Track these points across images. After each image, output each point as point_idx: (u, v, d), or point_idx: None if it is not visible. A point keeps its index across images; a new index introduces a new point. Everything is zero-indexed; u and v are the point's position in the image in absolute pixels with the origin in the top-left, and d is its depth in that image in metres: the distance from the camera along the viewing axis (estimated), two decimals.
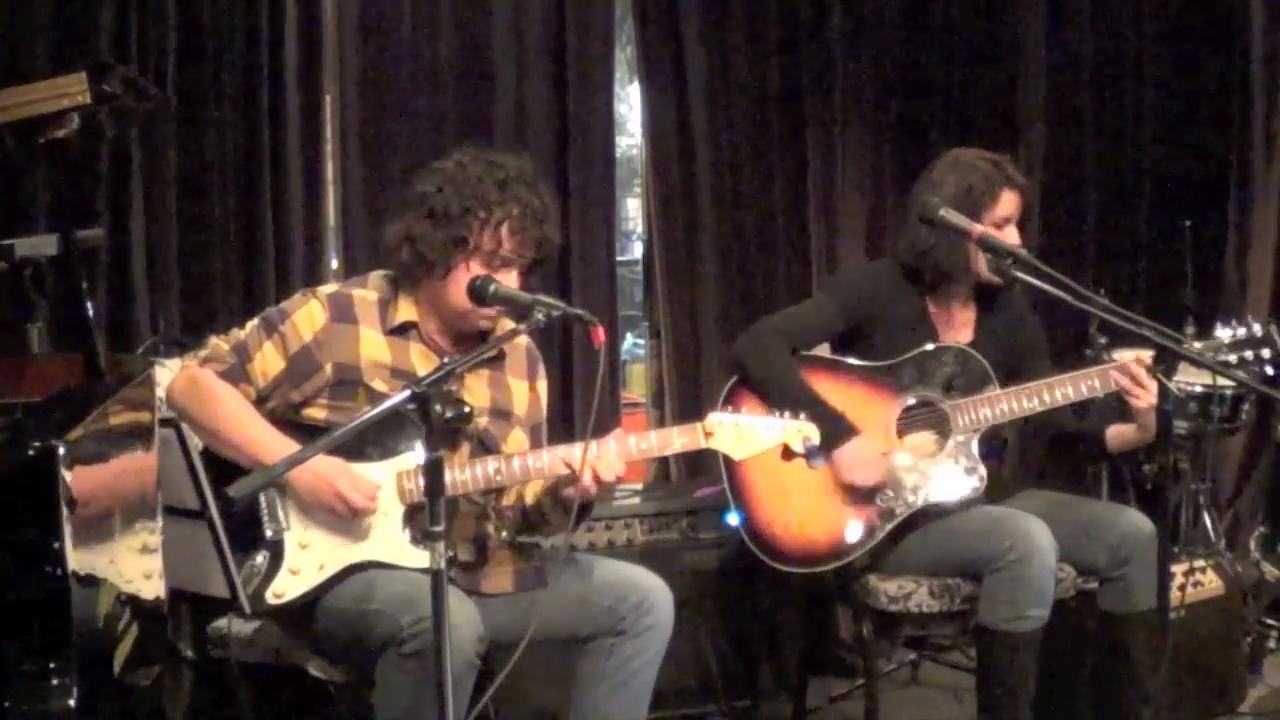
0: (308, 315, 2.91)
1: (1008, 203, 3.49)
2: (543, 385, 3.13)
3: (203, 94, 4.02)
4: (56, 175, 3.71)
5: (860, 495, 3.46)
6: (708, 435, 2.90)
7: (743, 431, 2.90)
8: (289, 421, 2.89)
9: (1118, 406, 3.48)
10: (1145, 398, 3.27)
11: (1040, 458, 4.61)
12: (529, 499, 3.02)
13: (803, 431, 2.91)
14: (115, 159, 3.90)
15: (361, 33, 4.30)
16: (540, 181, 2.93)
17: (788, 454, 2.93)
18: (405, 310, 2.94)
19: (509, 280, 2.86)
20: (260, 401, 2.89)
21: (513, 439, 3.03)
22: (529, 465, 2.88)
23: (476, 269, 2.85)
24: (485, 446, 2.97)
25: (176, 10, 3.97)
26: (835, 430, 3.42)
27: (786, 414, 2.94)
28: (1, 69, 3.68)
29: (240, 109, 4.08)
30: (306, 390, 2.90)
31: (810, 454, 2.92)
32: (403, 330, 2.93)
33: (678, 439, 2.95)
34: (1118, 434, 3.52)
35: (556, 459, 2.86)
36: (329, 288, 2.99)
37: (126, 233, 3.91)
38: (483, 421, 2.97)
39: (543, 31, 4.52)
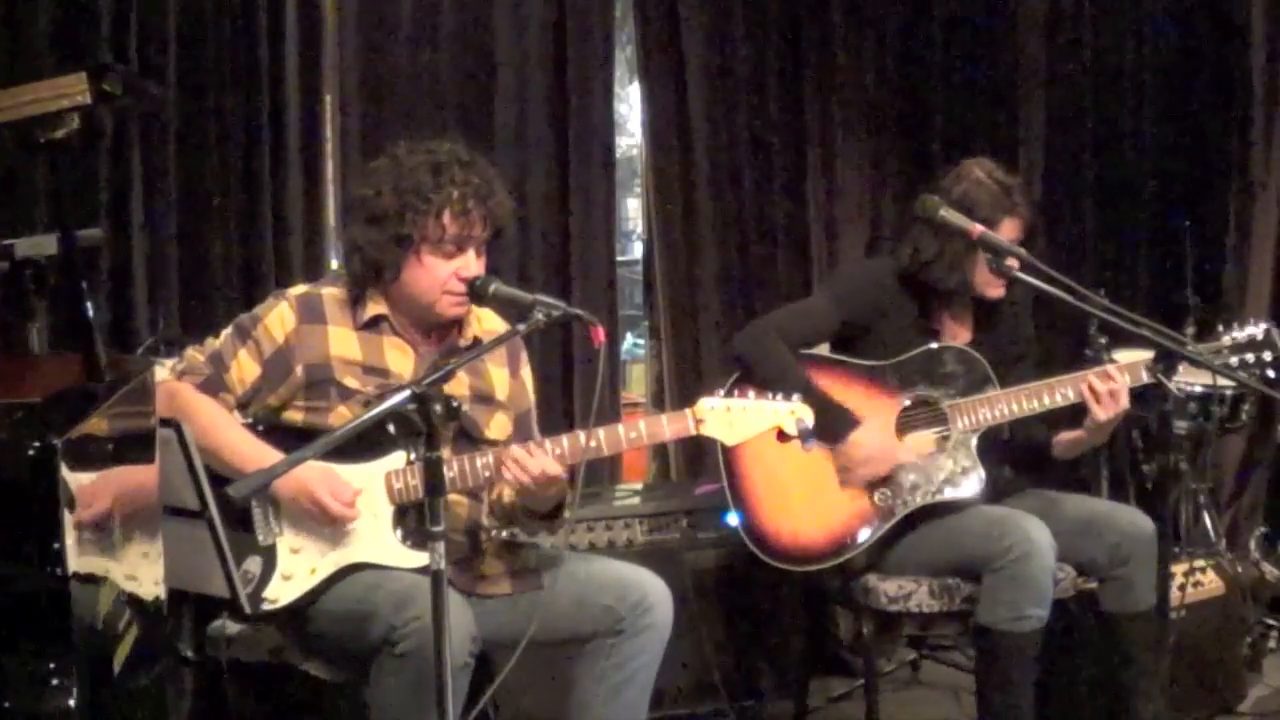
0: (279, 318, 2.91)
1: (1007, 229, 3.43)
2: (527, 373, 3.11)
3: (203, 93, 4.03)
4: (56, 175, 3.69)
5: (860, 492, 3.47)
6: (698, 422, 2.87)
7: (734, 416, 2.86)
8: (271, 426, 2.89)
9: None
10: (1110, 410, 3.28)
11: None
12: (505, 497, 2.99)
13: (796, 413, 2.86)
14: (115, 159, 3.90)
15: (361, 34, 4.30)
16: (478, 159, 2.90)
17: (782, 437, 2.89)
18: (375, 305, 2.93)
19: (468, 261, 2.85)
20: (240, 408, 2.90)
21: (495, 423, 3.01)
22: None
23: (430, 259, 2.84)
24: (466, 432, 2.95)
25: (176, 10, 3.97)
26: (838, 421, 3.42)
27: (779, 395, 2.89)
28: (1, 69, 3.67)
29: (240, 109, 4.08)
30: (282, 394, 2.90)
31: (804, 435, 2.86)
32: (374, 323, 2.93)
33: (668, 427, 2.93)
34: (1067, 440, 3.52)
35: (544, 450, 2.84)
36: (299, 289, 2.99)
37: (126, 233, 3.91)
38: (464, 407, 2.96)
39: (543, 32, 4.52)
